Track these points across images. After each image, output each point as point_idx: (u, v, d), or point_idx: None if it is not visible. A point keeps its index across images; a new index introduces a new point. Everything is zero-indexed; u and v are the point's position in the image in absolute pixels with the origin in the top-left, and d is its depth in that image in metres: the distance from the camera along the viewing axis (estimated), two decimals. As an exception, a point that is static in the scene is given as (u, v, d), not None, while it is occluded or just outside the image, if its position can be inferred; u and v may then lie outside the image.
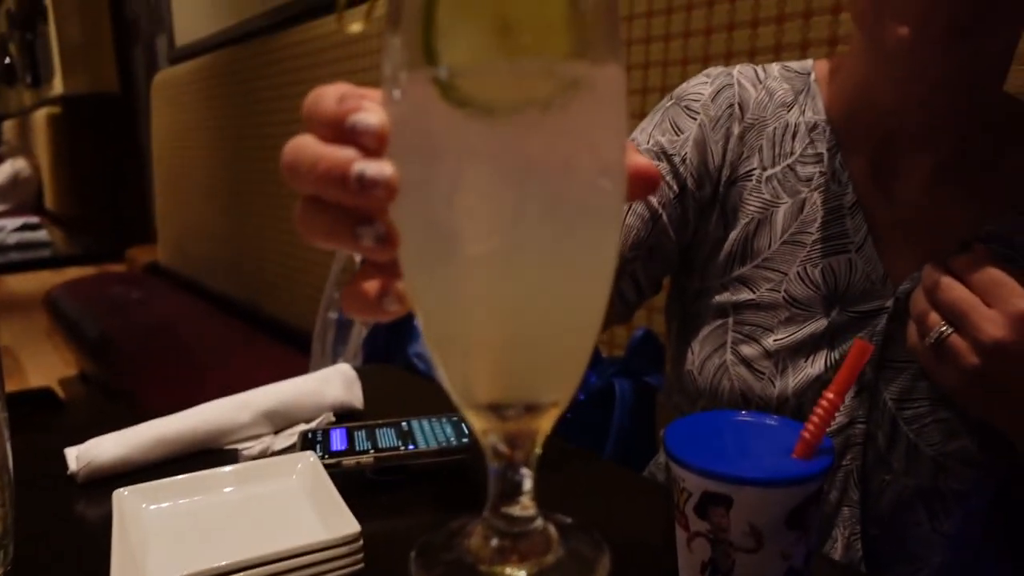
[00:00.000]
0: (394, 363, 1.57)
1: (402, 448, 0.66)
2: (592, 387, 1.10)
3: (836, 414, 0.43)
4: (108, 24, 5.20)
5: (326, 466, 0.62)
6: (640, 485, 0.72)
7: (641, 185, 0.33)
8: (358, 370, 0.88)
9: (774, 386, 0.67)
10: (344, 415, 0.79)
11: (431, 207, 0.29)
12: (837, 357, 0.66)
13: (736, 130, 0.71)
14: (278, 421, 0.76)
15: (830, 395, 0.43)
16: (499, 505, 0.33)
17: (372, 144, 0.29)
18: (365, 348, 1.49)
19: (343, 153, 0.29)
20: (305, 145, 0.31)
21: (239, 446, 0.73)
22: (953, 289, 0.56)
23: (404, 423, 0.71)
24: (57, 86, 5.53)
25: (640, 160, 0.33)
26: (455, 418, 0.72)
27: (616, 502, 0.65)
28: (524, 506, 0.33)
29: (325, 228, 0.31)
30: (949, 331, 0.56)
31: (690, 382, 0.72)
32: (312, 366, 1.65)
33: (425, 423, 0.71)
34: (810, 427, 0.43)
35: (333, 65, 2.21)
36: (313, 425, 0.76)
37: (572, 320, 0.32)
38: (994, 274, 0.54)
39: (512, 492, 0.33)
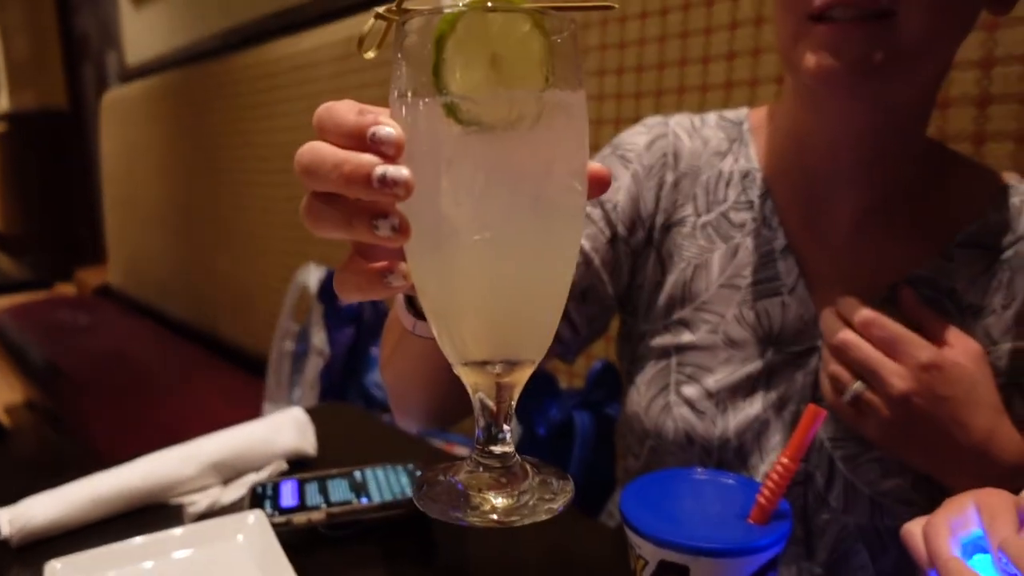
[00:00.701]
0: (351, 393, 1.55)
1: (355, 502, 0.64)
2: (552, 420, 1.09)
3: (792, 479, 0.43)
4: (56, 39, 5.08)
5: (276, 524, 0.60)
6: (597, 534, 0.71)
7: (595, 185, 0.39)
8: (311, 410, 0.86)
9: (715, 426, 0.68)
10: (296, 462, 0.77)
11: (438, 204, 0.35)
12: (774, 397, 0.67)
13: (670, 178, 0.73)
14: (227, 471, 0.74)
15: (784, 460, 0.42)
16: (485, 446, 0.40)
17: (391, 152, 0.34)
18: (322, 380, 1.46)
19: (366, 158, 0.34)
20: (325, 149, 0.35)
21: (185, 500, 0.70)
22: (860, 348, 0.59)
23: (357, 473, 0.69)
24: (3, 102, 5.37)
25: (593, 165, 0.39)
26: (410, 466, 0.71)
27: (573, 553, 0.64)
28: (504, 447, 0.40)
29: (340, 220, 0.35)
30: (862, 387, 0.59)
31: (637, 423, 0.73)
32: (268, 397, 1.61)
33: (379, 473, 0.69)
34: (766, 492, 0.42)
35: (288, 89, 2.18)
36: (264, 475, 0.74)
37: (546, 293, 0.39)
38: (895, 329, 0.58)
39: (495, 440, 0.40)
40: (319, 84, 2.01)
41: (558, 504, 0.38)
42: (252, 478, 0.73)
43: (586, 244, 0.72)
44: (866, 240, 0.66)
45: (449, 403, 0.69)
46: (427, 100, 0.35)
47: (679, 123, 0.75)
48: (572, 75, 0.36)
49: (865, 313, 0.59)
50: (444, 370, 0.42)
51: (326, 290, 1.54)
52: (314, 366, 1.49)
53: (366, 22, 0.38)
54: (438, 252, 0.37)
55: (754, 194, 0.70)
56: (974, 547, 0.45)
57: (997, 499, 0.46)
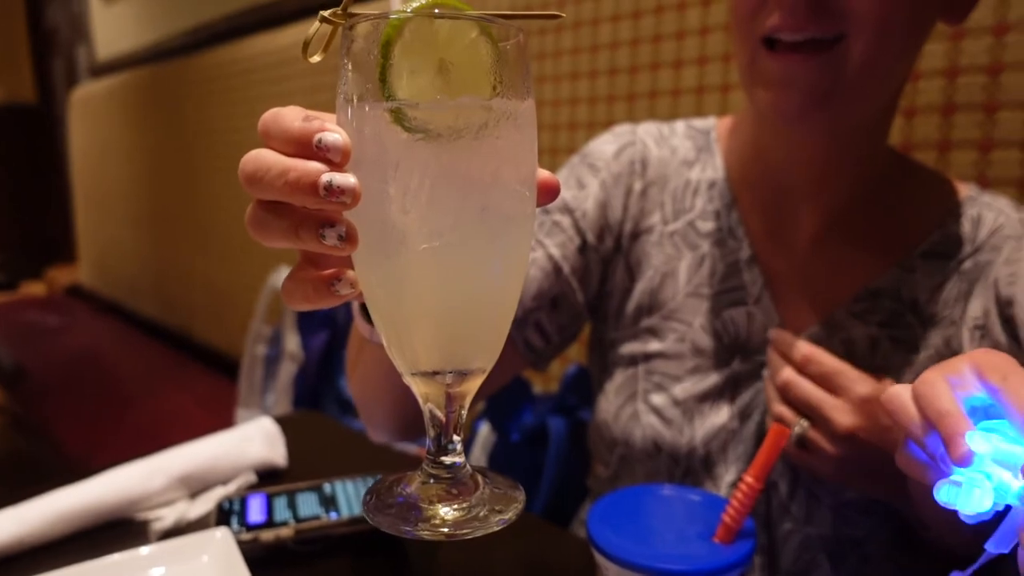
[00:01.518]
0: (326, 398, 1.54)
1: (323, 516, 0.63)
2: (526, 425, 1.09)
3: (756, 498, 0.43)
4: (25, 32, 4.98)
5: (243, 542, 0.59)
6: (569, 545, 0.71)
7: (544, 192, 0.39)
8: (282, 420, 0.85)
9: (682, 434, 0.68)
10: (266, 473, 0.76)
11: (386, 212, 0.35)
12: (740, 406, 0.68)
13: (638, 186, 0.73)
14: (194, 485, 0.73)
15: (749, 479, 0.42)
16: (436, 457, 0.40)
17: (337, 159, 0.33)
18: (296, 385, 1.45)
19: (312, 165, 0.33)
20: (269, 157, 0.34)
21: (151, 515, 0.69)
22: (800, 386, 0.59)
23: (327, 486, 0.68)
24: (-31, 97, 5.26)
25: (544, 172, 0.39)
26: (380, 477, 0.70)
27: (544, 564, 0.64)
28: (455, 457, 0.40)
29: (287, 229, 0.34)
30: (806, 426, 0.59)
31: (607, 431, 0.73)
32: (241, 402, 1.60)
33: (349, 485, 0.69)
34: (731, 511, 0.42)
35: (262, 86, 2.16)
36: (232, 488, 0.73)
37: (496, 301, 0.38)
38: (832, 364, 0.58)
39: (444, 451, 0.40)
40: (293, 81, 1.99)
41: (508, 515, 0.38)
42: (220, 491, 0.72)
43: (556, 252, 0.72)
44: (828, 251, 0.67)
45: (414, 413, 0.69)
46: (373, 106, 0.34)
47: (647, 131, 0.76)
48: (520, 83, 0.36)
49: (802, 350, 0.60)
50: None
51: (299, 293, 1.52)
52: (287, 371, 1.47)
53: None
54: (386, 261, 0.36)
55: (720, 204, 0.71)
56: (980, 412, 0.38)
57: (998, 358, 0.40)
